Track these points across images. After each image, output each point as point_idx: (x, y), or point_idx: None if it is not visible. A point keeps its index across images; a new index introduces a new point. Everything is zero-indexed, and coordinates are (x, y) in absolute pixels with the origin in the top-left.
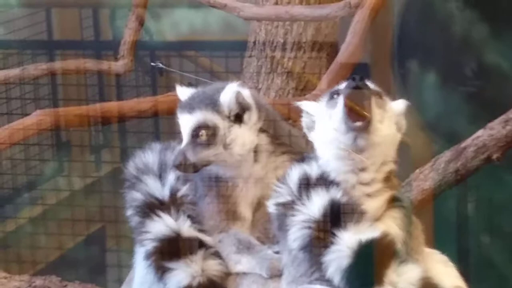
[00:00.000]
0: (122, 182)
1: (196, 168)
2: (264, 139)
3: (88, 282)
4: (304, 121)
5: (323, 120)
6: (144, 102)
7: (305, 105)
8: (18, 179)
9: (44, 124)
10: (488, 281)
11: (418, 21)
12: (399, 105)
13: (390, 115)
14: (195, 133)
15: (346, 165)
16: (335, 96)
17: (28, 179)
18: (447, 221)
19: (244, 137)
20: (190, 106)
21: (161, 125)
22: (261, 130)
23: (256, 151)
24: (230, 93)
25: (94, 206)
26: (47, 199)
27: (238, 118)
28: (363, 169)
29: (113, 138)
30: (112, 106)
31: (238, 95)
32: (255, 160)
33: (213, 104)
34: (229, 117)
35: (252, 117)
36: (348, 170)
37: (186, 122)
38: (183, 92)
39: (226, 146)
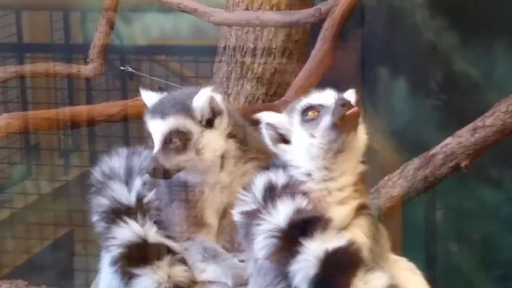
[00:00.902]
0: (90, 186)
1: (169, 173)
2: (232, 145)
3: (55, 286)
4: (267, 133)
5: (301, 136)
6: (113, 106)
7: (267, 117)
8: None
9: (12, 127)
10: None
11: (387, 28)
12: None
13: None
14: (168, 139)
15: (324, 174)
16: (309, 113)
17: None
18: (415, 228)
19: (215, 142)
20: (162, 111)
21: (130, 130)
22: (230, 136)
23: (223, 157)
24: (203, 98)
25: (62, 210)
26: (15, 202)
27: (209, 123)
28: (341, 174)
29: (82, 142)
30: (81, 110)
31: (211, 100)
32: (221, 166)
33: (185, 109)
34: (201, 122)
35: (223, 122)
36: (326, 178)
37: (158, 127)
38: (149, 97)
39: (198, 151)
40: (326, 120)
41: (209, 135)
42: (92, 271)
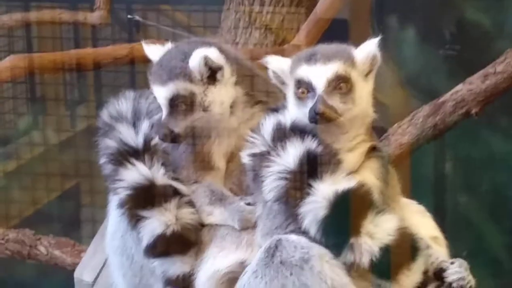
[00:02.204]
0: (97, 129)
1: (181, 137)
2: (239, 91)
3: (61, 236)
4: (273, 76)
5: (292, 103)
6: (120, 49)
7: (271, 64)
8: None
9: (18, 69)
10: (464, 239)
11: None
12: (367, 47)
13: (360, 76)
14: (172, 104)
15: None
16: (299, 89)
17: (2, 133)
18: (424, 179)
19: (221, 95)
20: (161, 77)
21: (136, 80)
22: (237, 83)
23: (232, 105)
24: (197, 59)
25: (69, 161)
26: (21, 154)
27: (211, 79)
28: (344, 133)
29: (88, 93)
30: (88, 52)
31: (206, 59)
32: (231, 113)
33: (183, 72)
34: (202, 81)
35: (225, 74)
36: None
37: (161, 94)
38: (152, 51)
39: (205, 109)
40: (306, 113)
41: (213, 90)
42: (98, 222)
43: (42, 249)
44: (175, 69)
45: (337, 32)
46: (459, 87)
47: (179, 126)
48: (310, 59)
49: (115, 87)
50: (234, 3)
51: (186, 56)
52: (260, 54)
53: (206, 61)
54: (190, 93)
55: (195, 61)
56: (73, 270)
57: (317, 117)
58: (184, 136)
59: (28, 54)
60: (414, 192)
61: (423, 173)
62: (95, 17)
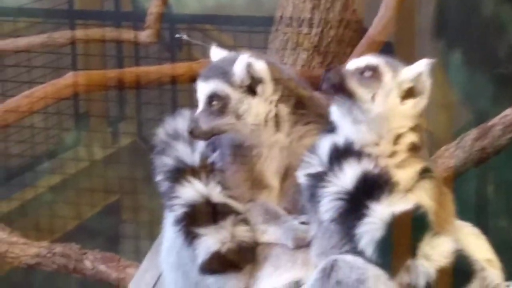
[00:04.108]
0: (154, 147)
1: (207, 135)
2: (283, 110)
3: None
4: None
5: None
6: (179, 68)
7: None
8: (38, 147)
9: (79, 86)
10: (506, 264)
11: (451, 1)
12: (415, 68)
13: (386, 90)
14: (208, 102)
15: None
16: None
17: (47, 148)
18: (466, 203)
19: (257, 108)
20: (206, 75)
21: (179, 98)
22: (281, 101)
23: (277, 120)
24: (241, 64)
25: (111, 178)
26: (66, 168)
27: (251, 90)
28: (376, 143)
29: (130, 110)
30: (148, 70)
31: (249, 66)
32: (277, 129)
33: (225, 74)
34: (241, 88)
35: (266, 90)
36: (364, 144)
37: (202, 90)
38: (216, 54)
39: (238, 117)
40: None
41: (250, 101)
42: (139, 238)
43: (87, 263)
44: (219, 70)
45: (386, 54)
46: (508, 111)
47: (208, 124)
48: None
49: (156, 105)
50: (282, 25)
51: (234, 61)
52: (308, 76)
53: (249, 69)
54: (226, 96)
55: (239, 66)
56: (118, 286)
57: None
58: (210, 135)
59: (87, 72)
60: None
61: (465, 196)
62: (144, 36)
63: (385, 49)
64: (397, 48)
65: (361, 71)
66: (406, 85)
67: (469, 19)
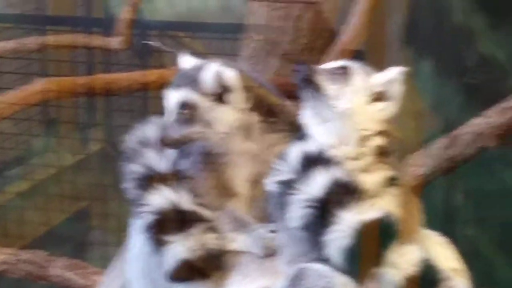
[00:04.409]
0: (122, 154)
1: (178, 144)
2: (254, 118)
3: (72, 258)
4: None
5: None
6: (150, 75)
7: None
8: (7, 153)
9: (45, 93)
10: (474, 272)
11: (419, 9)
12: (387, 74)
13: (355, 89)
14: (178, 110)
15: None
16: None
17: (17, 154)
18: (434, 210)
19: (227, 116)
20: (176, 83)
21: (149, 104)
22: (251, 110)
23: (247, 129)
24: (210, 72)
25: (81, 184)
26: (35, 174)
27: (221, 98)
28: (342, 143)
29: (100, 116)
30: (119, 77)
31: (218, 75)
32: (247, 137)
33: (195, 82)
34: (211, 96)
35: (236, 98)
36: (331, 145)
37: (172, 98)
38: (185, 61)
39: (208, 125)
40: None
41: (219, 109)
42: (108, 245)
43: (54, 270)
44: (188, 78)
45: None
46: (476, 120)
47: (178, 132)
48: None
49: (126, 112)
50: (253, 32)
51: (202, 69)
52: (279, 83)
53: (218, 78)
54: (196, 104)
55: (208, 74)
56: None
57: None
58: (181, 144)
59: (58, 78)
60: (425, 224)
61: (433, 204)
62: (114, 42)
63: (356, 57)
64: (368, 57)
65: (333, 70)
66: (376, 89)
67: (438, 27)
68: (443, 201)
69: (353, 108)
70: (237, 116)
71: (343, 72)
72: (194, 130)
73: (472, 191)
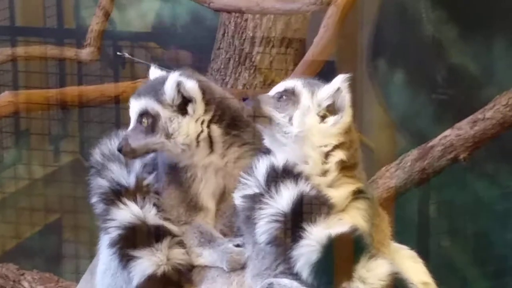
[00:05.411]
0: (89, 168)
1: (137, 153)
2: (216, 131)
3: (44, 272)
4: None
5: None
6: (117, 87)
7: None
8: None
9: (13, 105)
10: (448, 284)
11: (389, 20)
12: (332, 85)
13: (303, 111)
14: (139, 119)
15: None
16: None
17: None
18: (408, 222)
19: (188, 127)
20: (138, 93)
21: (122, 116)
22: (214, 121)
23: (210, 141)
24: (171, 82)
25: (52, 196)
26: (5, 187)
27: (182, 109)
28: (305, 162)
29: (72, 128)
30: (87, 89)
31: (179, 85)
32: (211, 150)
33: (156, 92)
34: (172, 107)
35: (197, 109)
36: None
37: (133, 107)
38: (155, 73)
39: (168, 135)
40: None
41: (179, 120)
42: (80, 258)
43: (25, 284)
44: (151, 88)
45: (328, 74)
46: (447, 132)
47: (137, 142)
48: None
49: (99, 123)
50: (224, 43)
51: (165, 80)
52: (249, 95)
53: (179, 88)
54: (157, 114)
55: (168, 84)
56: None
57: None
58: (141, 154)
59: (24, 91)
60: (397, 233)
61: (406, 216)
62: (85, 53)
63: (327, 68)
64: (339, 67)
65: (278, 96)
66: (325, 103)
67: (408, 39)
68: (417, 212)
69: (306, 130)
70: (199, 128)
71: (290, 96)
72: (154, 140)
73: (445, 203)
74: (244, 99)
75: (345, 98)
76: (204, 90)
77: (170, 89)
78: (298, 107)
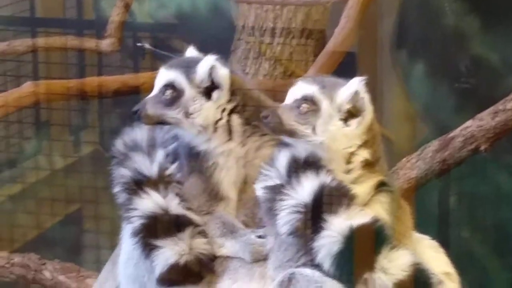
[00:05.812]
0: (112, 158)
1: (151, 120)
2: (236, 121)
3: (65, 261)
4: None
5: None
6: (137, 78)
7: None
8: None
9: (34, 96)
10: (468, 275)
11: (411, 11)
12: (349, 88)
13: (327, 116)
14: (162, 90)
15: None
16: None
17: (8, 156)
18: (428, 213)
19: (208, 112)
20: (171, 64)
21: None
22: (235, 112)
23: (229, 129)
24: (205, 64)
25: (72, 187)
26: (26, 177)
27: (207, 93)
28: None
29: (92, 119)
30: (109, 79)
31: (212, 69)
32: (229, 138)
33: (188, 69)
34: (199, 88)
35: (221, 97)
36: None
37: (161, 76)
38: (189, 52)
39: (186, 114)
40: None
41: (202, 102)
42: (101, 248)
43: (47, 274)
44: (185, 63)
45: (350, 65)
46: (468, 123)
47: (154, 110)
48: None
49: (119, 114)
50: (244, 34)
51: (202, 60)
52: (269, 86)
53: (211, 72)
54: (181, 90)
55: (202, 65)
56: None
57: None
58: (154, 122)
59: (47, 81)
60: (417, 225)
61: (427, 207)
62: (105, 44)
63: (348, 59)
64: (360, 58)
65: (297, 105)
66: (345, 107)
67: (431, 30)
68: (437, 204)
69: (331, 137)
70: (218, 115)
71: (310, 105)
72: (172, 113)
73: (466, 194)
74: (264, 117)
75: (365, 98)
76: (233, 81)
77: (202, 70)
78: (319, 116)
